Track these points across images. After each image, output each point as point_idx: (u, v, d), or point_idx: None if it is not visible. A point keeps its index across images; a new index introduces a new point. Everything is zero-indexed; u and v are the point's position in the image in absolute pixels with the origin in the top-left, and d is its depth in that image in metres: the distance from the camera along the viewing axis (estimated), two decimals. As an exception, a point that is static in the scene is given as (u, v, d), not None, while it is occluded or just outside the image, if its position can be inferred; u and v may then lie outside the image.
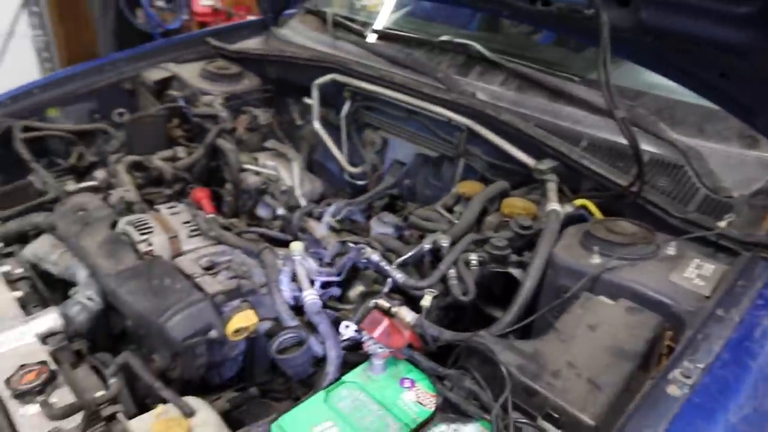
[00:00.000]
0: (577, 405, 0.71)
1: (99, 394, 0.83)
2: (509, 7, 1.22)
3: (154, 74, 1.75)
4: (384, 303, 0.89)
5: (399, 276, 0.97)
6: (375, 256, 1.00)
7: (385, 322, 0.78)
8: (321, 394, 0.78)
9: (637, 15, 1.06)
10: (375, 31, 1.75)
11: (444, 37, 1.57)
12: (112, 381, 0.88)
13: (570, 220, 1.10)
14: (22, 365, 0.86)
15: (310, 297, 0.97)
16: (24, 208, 1.31)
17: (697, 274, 0.92)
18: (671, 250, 0.99)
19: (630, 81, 1.30)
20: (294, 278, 1.01)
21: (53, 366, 0.89)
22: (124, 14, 3.34)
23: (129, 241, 1.09)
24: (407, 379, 0.81)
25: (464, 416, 0.74)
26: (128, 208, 1.20)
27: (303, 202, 1.45)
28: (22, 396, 0.82)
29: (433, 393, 0.79)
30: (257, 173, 1.48)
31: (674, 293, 0.87)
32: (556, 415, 0.71)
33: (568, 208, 1.12)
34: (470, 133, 1.35)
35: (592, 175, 1.13)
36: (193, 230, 1.12)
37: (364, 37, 1.74)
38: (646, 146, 1.19)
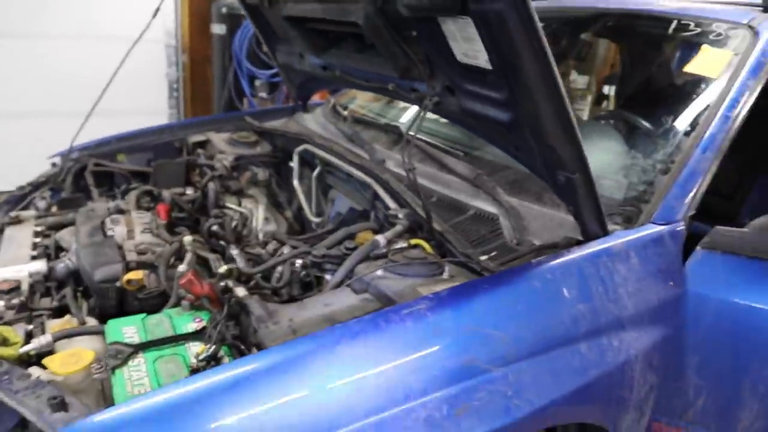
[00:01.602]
0: (270, 342, 1.05)
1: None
2: (393, 93, 1.65)
3: (195, 137, 2.38)
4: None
5: (240, 261, 1.37)
6: (234, 251, 1.42)
7: (189, 275, 1.19)
8: (140, 316, 1.20)
9: (460, 102, 1.43)
10: (353, 118, 2.24)
11: (384, 121, 2.02)
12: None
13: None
14: (4, 279, 1.39)
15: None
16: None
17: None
18: (446, 274, 1.28)
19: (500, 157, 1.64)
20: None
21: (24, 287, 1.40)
22: (233, 102, 4.26)
23: (102, 228, 1.62)
24: (199, 317, 1.20)
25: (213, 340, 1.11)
26: (117, 212, 1.75)
27: (260, 235, 1.91)
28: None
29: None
30: (231, 209, 1.98)
31: (399, 294, 1.17)
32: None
33: (402, 243, 1.45)
34: (374, 193, 1.74)
35: (414, 215, 1.47)
36: (145, 228, 1.63)
37: (345, 120, 2.24)
38: (482, 204, 1.51)
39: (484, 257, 1.29)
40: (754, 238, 1.35)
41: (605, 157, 1.70)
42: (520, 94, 1.16)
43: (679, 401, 1.43)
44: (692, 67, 1.71)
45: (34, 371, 1.06)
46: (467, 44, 1.20)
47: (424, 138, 1.87)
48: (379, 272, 1.27)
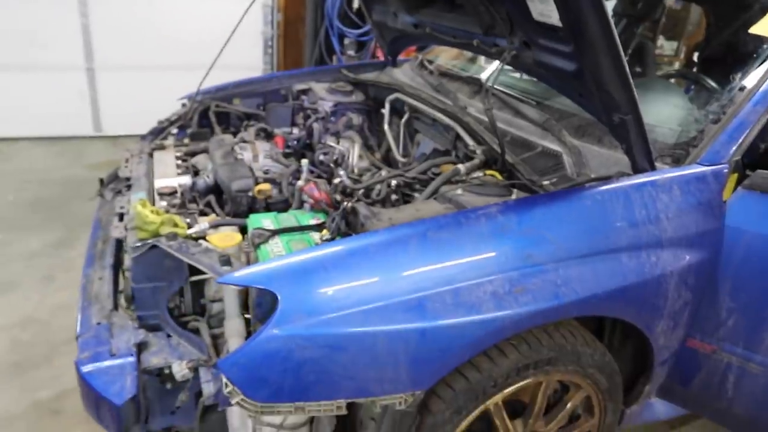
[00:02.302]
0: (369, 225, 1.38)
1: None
2: (477, 48, 1.91)
3: (299, 86, 2.73)
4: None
5: (346, 180, 1.71)
6: (341, 171, 1.76)
7: (311, 184, 1.54)
8: (273, 213, 1.56)
9: (534, 55, 1.68)
10: (439, 71, 2.51)
11: (466, 75, 2.29)
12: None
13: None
14: (164, 186, 1.80)
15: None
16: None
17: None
18: (513, 195, 1.57)
19: (567, 106, 1.88)
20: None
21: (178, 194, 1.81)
22: (323, 59, 4.61)
23: (233, 153, 2.01)
24: (317, 217, 1.55)
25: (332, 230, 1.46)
26: (242, 141, 2.13)
27: (355, 170, 2.25)
28: (160, 195, 1.75)
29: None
30: (331, 146, 2.33)
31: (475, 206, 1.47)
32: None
33: (478, 173, 1.74)
34: (456, 134, 2.02)
35: (490, 151, 1.75)
36: (266, 155, 2.01)
37: (432, 73, 2.51)
38: (548, 143, 1.76)
39: (546, 182, 1.56)
40: (790, 181, 1.55)
41: (663, 109, 1.90)
42: (584, 48, 1.40)
43: (712, 321, 1.66)
44: (757, 29, 1.87)
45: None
46: (542, 5, 1.44)
47: (502, 89, 2.13)
48: (459, 191, 1.57)
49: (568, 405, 1.57)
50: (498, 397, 1.40)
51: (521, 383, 1.41)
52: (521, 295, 1.28)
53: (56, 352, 2.46)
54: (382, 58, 4.58)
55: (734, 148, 1.61)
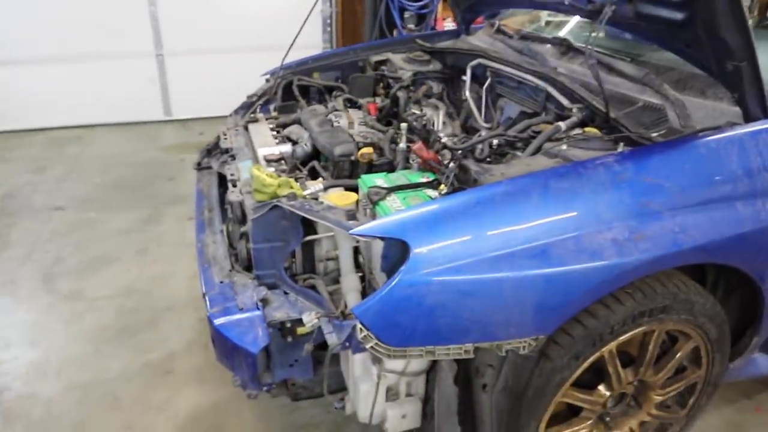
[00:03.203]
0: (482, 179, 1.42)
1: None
2: (568, 7, 1.90)
3: (376, 57, 2.77)
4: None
5: (445, 138, 1.74)
6: (441, 134, 1.80)
7: (420, 144, 1.59)
8: (384, 174, 1.62)
9: (636, 7, 1.67)
10: (520, 34, 2.51)
11: (555, 35, 2.27)
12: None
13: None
14: (270, 153, 1.88)
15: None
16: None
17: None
18: (620, 149, 1.58)
19: (664, 60, 1.86)
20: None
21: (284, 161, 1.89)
22: (384, 32, 4.63)
23: (329, 121, 2.07)
24: (426, 176, 1.60)
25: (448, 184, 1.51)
26: (334, 109, 2.20)
27: (441, 135, 2.29)
28: (267, 162, 1.83)
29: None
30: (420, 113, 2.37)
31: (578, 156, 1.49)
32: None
33: (578, 130, 1.75)
34: (547, 94, 2.03)
35: (590, 107, 1.75)
36: (360, 122, 2.07)
37: (512, 38, 2.51)
38: (649, 97, 1.75)
39: (654, 134, 1.56)
40: None
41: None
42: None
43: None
44: None
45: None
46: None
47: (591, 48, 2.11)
48: (564, 146, 1.59)
49: (678, 354, 1.59)
50: (613, 345, 1.43)
51: (636, 330, 1.43)
52: (641, 242, 1.31)
53: (159, 318, 2.62)
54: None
55: None
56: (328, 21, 5.39)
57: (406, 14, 4.67)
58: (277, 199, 1.56)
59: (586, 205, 1.31)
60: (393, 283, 1.22)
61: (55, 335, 2.52)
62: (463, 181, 1.52)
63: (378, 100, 2.52)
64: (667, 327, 1.50)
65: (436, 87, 2.59)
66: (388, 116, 2.44)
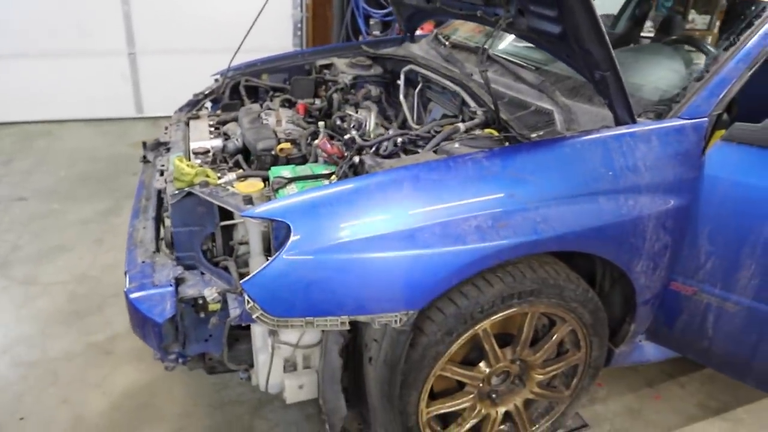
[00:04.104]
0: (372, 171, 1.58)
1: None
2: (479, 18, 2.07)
3: (321, 61, 2.93)
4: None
5: (358, 140, 1.90)
6: (353, 131, 1.96)
7: (324, 139, 1.74)
8: (291, 166, 1.78)
9: (528, 20, 1.83)
10: (451, 44, 2.67)
11: (474, 45, 2.45)
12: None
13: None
14: (199, 147, 2.03)
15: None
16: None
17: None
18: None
19: (564, 69, 2.03)
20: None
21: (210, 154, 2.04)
22: (350, 37, 4.80)
23: (259, 119, 2.23)
24: (330, 169, 1.76)
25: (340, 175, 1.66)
26: (268, 109, 2.35)
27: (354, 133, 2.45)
28: (195, 154, 1.98)
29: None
30: (349, 114, 2.52)
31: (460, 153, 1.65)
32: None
33: (478, 131, 1.91)
34: (462, 99, 2.19)
35: (489, 112, 1.92)
36: (288, 120, 2.22)
37: (445, 46, 2.68)
38: (542, 103, 1.92)
39: (534, 135, 1.72)
40: (765, 131, 1.67)
41: (655, 71, 2.04)
42: (566, 11, 1.56)
43: (692, 264, 1.80)
44: (748, -9, 1.98)
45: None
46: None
47: (506, 57, 2.28)
48: (456, 144, 1.75)
49: (554, 337, 1.75)
50: (486, 323, 1.59)
51: (507, 311, 1.59)
52: (503, 229, 1.47)
53: (107, 303, 2.76)
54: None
55: (715, 103, 1.73)
56: (299, 25, 5.56)
57: (372, 21, 4.84)
58: (192, 186, 1.71)
59: (453, 195, 1.47)
60: (274, 260, 1.38)
61: (6, 316, 2.65)
62: (358, 174, 1.67)
63: (317, 101, 2.68)
64: (539, 310, 1.66)
65: (374, 90, 2.75)
66: (325, 117, 2.59)
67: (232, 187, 1.71)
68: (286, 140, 2.05)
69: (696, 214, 1.74)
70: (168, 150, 2.20)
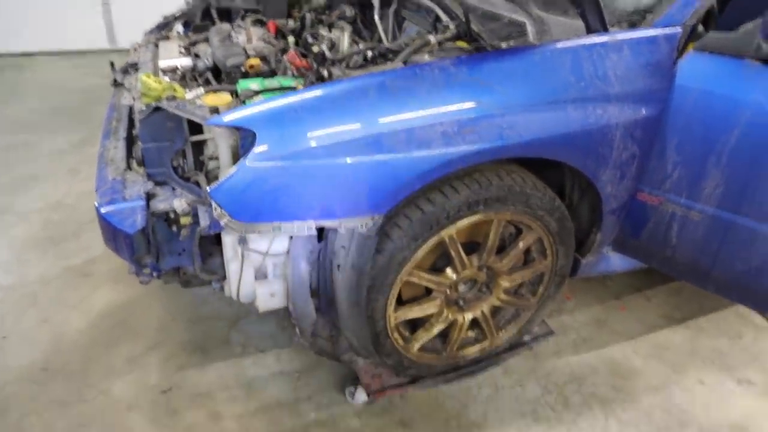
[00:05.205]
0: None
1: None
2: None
3: (295, -19, 2.85)
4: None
5: (328, 54, 1.87)
6: (323, 46, 1.93)
7: (293, 52, 1.71)
8: (260, 78, 1.76)
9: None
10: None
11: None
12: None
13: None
14: (167, 65, 1.99)
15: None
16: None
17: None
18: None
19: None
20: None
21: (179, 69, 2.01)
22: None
23: (229, 37, 2.18)
24: (298, 81, 1.74)
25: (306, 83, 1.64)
26: (238, 27, 2.30)
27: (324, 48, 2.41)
28: (163, 72, 1.95)
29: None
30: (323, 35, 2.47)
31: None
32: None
33: (449, 44, 1.88)
34: (436, 14, 2.15)
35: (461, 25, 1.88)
36: (259, 38, 2.17)
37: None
38: (515, 15, 1.89)
39: (504, 44, 1.70)
40: (738, 39, 1.66)
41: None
42: None
43: (659, 174, 1.83)
44: None
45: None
46: None
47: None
48: (426, 56, 1.73)
49: (520, 244, 1.79)
50: (452, 229, 1.62)
51: (472, 218, 1.62)
52: (469, 135, 1.47)
53: (83, 229, 2.76)
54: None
55: (689, 14, 1.72)
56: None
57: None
58: (159, 101, 1.69)
59: (419, 102, 1.46)
60: (240, 166, 1.38)
61: (-18, 244, 2.66)
62: (326, 84, 1.66)
63: (290, 22, 2.62)
64: (506, 217, 1.69)
65: (349, 11, 2.68)
66: (297, 36, 2.54)
67: (200, 100, 1.69)
68: (256, 56, 2.01)
69: (665, 125, 1.76)
70: (137, 70, 2.15)
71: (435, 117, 1.45)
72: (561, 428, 1.92)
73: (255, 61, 1.95)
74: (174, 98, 1.69)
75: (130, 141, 2.06)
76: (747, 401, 2.05)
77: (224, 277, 1.81)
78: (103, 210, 1.65)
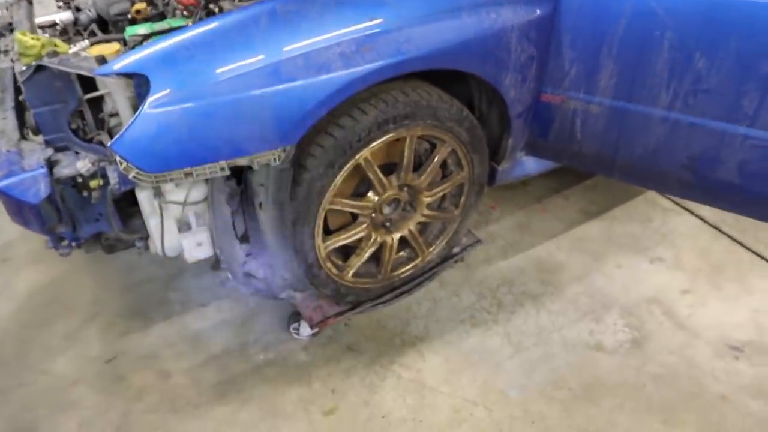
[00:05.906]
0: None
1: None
2: None
3: None
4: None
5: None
6: None
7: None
8: (149, 23, 1.67)
9: None
10: None
11: None
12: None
13: None
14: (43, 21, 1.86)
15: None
16: None
17: None
18: None
19: None
20: None
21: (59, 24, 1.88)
22: None
23: None
24: (188, 22, 1.67)
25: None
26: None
27: None
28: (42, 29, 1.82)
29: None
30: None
31: None
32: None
33: None
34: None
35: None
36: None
37: None
38: None
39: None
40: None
41: None
42: None
43: (558, 73, 1.89)
44: None
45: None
46: None
47: None
48: None
49: (436, 158, 1.84)
50: (366, 152, 1.64)
51: (385, 137, 1.64)
52: (368, 53, 1.47)
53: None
54: None
55: None
56: None
57: None
58: (40, 58, 1.58)
59: (312, 24, 1.44)
60: (138, 115, 1.33)
61: None
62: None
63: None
64: (417, 133, 1.72)
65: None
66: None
67: (85, 52, 1.60)
68: (142, 1, 1.91)
69: (558, 23, 1.81)
70: (12, 31, 2.00)
71: (331, 38, 1.44)
72: (498, 328, 2.05)
73: (141, 6, 1.85)
74: (56, 54, 1.59)
75: (21, 109, 1.94)
76: (659, 277, 2.23)
77: (147, 236, 1.78)
78: (2, 184, 1.57)
